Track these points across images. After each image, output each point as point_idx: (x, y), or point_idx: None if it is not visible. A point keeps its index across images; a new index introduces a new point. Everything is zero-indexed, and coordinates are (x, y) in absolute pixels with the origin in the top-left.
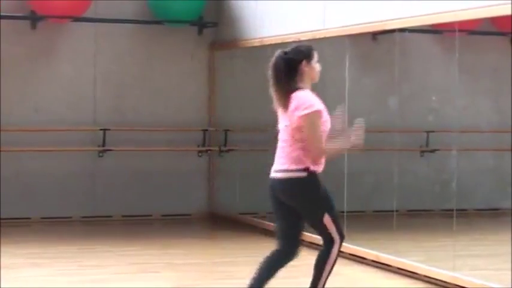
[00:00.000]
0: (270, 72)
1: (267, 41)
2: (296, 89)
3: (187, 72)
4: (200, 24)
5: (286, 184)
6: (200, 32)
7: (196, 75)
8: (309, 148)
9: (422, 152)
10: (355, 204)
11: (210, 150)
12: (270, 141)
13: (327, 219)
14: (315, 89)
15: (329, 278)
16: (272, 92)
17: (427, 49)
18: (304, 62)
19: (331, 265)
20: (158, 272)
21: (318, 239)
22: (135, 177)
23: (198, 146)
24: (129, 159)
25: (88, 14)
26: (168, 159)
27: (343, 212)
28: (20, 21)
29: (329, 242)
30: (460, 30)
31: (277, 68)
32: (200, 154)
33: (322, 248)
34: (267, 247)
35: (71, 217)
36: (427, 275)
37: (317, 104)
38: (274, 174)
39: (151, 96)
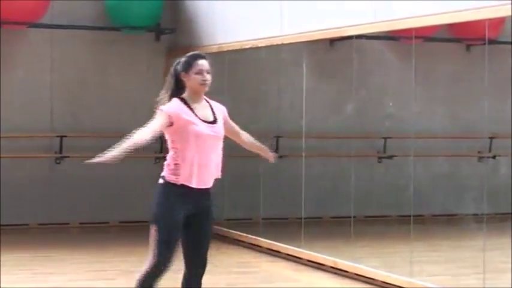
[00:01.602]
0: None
1: (225, 47)
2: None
3: (144, 78)
4: (157, 30)
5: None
6: (157, 38)
7: (153, 81)
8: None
9: (380, 158)
10: (312, 209)
11: (165, 157)
12: (227, 146)
13: (153, 232)
14: (270, 96)
15: None
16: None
17: (384, 55)
18: (182, 73)
19: (139, 283)
20: (114, 279)
21: (241, 235)
22: (93, 184)
23: (155, 153)
24: (86, 166)
25: (45, 19)
26: (124, 166)
27: (300, 218)
28: None
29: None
30: (417, 37)
31: (167, 78)
32: (157, 161)
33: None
34: (224, 254)
35: (27, 224)
36: (384, 280)
37: (167, 107)
38: None
39: (108, 103)
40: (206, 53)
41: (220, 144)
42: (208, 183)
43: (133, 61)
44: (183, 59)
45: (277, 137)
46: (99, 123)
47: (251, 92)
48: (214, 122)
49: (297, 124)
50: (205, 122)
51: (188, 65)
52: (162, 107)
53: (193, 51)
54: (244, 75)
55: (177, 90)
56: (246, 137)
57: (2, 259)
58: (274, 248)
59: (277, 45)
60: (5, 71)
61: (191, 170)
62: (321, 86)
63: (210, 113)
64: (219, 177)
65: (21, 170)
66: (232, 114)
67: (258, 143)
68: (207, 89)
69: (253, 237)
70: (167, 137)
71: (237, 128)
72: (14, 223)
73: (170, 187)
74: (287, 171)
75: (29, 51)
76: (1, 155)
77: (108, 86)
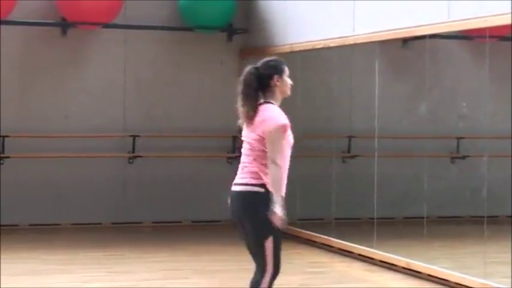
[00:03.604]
0: (239, 88)
1: (297, 47)
2: (265, 103)
3: (217, 78)
4: (230, 30)
5: (243, 197)
6: (230, 38)
7: (226, 81)
8: (267, 160)
9: (453, 158)
10: (385, 210)
11: (239, 157)
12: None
13: (269, 244)
14: (343, 96)
15: None
16: (239, 106)
17: (458, 55)
18: (276, 77)
19: None
20: (187, 278)
21: (313, 235)
22: (165, 184)
23: (228, 153)
24: (159, 166)
25: (118, 20)
26: (197, 166)
27: (372, 218)
28: (51, 28)
29: (261, 270)
30: (491, 36)
31: (247, 84)
32: (229, 161)
33: (255, 274)
34: (295, 253)
35: (100, 223)
36: (458, 282)
37: (283, 118)
38: (233, 187)
39: (180, 102)
40: (279, 53)
41: None
42: None
43: (206, 61)
44: (271, 63)
45: (350, 137)
46: (171, 123)
47: (323, 92)
48: None
49: (369, 124)
50: None
51: (282, 69)
52: (281, 121)
53: (265, 51)
54: (316, 76)
55: (259, 93)
56: None
57: (78, 257)
58: (346, 249)
59: (350, 45)
60: (79, 71)
61: (284, 177)
62: (393, 85)
63: None
64: None
65: (94, 169)
66: (304, 114)
67: None
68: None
69: (326, 237)
70: (259, 141)
71: None
72: (88, 222)
73: (271, 195)
74: (359, 171)
75: (103, 51)
76: (75, 155)
77: (180, 85)
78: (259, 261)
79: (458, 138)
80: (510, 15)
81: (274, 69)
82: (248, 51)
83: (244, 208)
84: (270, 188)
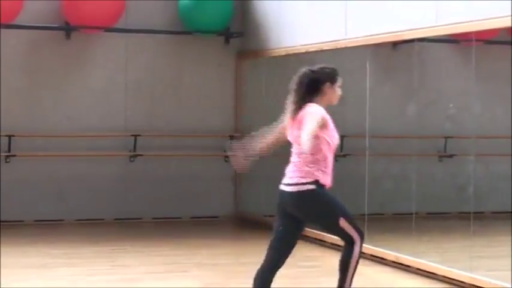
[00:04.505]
0: (292, 85)
1: (291, 51)
2: (311, 103)
3: (215, 80)
4: (227, 34)
5: (297, 198)
6: (227, 41)
7: (223, 83)
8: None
9: (440, 157)
10: (376, 207)
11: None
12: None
13: (343, 222)
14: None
15: (354, 276)
16: (288, 102)
17: (445, 58)
18: (328, 84)
19: (355, 264)
20: (187, 272)
21: (307, 231)
22: (165, 181)
23: (225, 152)
24: (159, 164)
25: (119, 24)
26: (196, 164)
27: (363, 214)
28: (55, 32)
29: (350, 242)
30: (477, 40)
31: (301, 83)
32: (227, 159)
33: (344, 248)
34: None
35: (103, 219)
36: (445, 275)
37: (325, 114)
38: (284, 187)
39: (179, 104)
40: (273, 57)
41: None
42: None
43: (204, 63)
44: (327, 70)
45: (342, 137)
46: (171, 123)
47: None
48: None
49: (360, 124)
50: None
51: (335, 78)
52: (322, 114)
53: (261, 54)
54: None
55: (308, 95)
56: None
57: (82, 251)
58: (338, 243)
59: (341, 48)
60: (82, 73)
61: (330, 171)
62: (384, 87)
63: None
64: None
65: (97, 167)
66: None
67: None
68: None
69: (318, 232)
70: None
71: None
72: (91, 218)
73: (323, 186)
74: (351, 169)
75: (105, 54)
76: (79, 154)
77: (179, 87)
78: (345, 239)
79: (446, 138)
80: (495, 20)
81: (329, 76)
82: (244, 54)
83: (300, 209)
84: (322, 181)
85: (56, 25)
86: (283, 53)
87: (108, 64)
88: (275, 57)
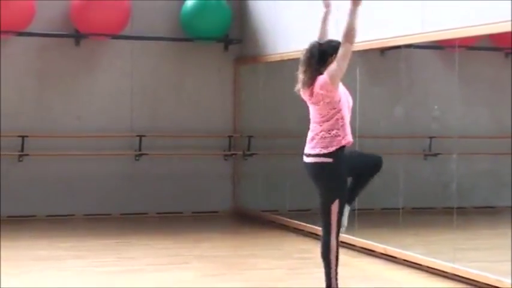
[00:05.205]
0: (302, 57)
1: (286, 56)
2: (322, 74)
3: (215, 84)
4: (226, 41)
5: (315, 168)
6: (226, 48)
7: (223, 87)
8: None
9: (426, 155)
10: (365, 202)
11: (234, 154)
12: (290, 146)
13: (335, 207)
14: None
15: (338, 267)
16: (300, 73)
17: (430, 63)
18: (334, 56)
19: (335, 260)
20: (188, 263)
21: (301, 225)
22: (168, 179)
23: (224, 151)
24: (162, 162)
25: (125, 32)
26: (197, 162)
27: (354, 209)
28: (65, 39)
29: (326, 231)
30: (460, 46)
31: (311, 54)
32: (226, 158)
33: (322, 243)
34: (286, 241)
35: (110, 214)
36: (430, 266)
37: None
38: (305, 158)
39: (182, 106)
40: (270, 62)
41: None
42: None
43: (205, 68)
44: (333, 43)
45: None
46: (173, 124)
47: None
48: None
49: (351, 125)
50: None
51: (337, 49)
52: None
53: (258, 59)
54: None
55: (318, 67)
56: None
57: (90, 244)
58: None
59: None
60: (90, 78)
61: (349, 128)
62: (372, 91)
63: None
64: None
65: (105, 166)
66: (293, 117)
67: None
68: None
69: (312, 226)
70: (330, 102)
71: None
72: (98, 213)
73: (340, 154)
74: None
75: (112, 60)
76: (87, 153)
77: (182, 90)
78: (324, 223)
79: (431, 138)
80: (477, 27)
81: (335, 49)
82: (242, 60)
83: (315, 178)
84: (344, 142)
85: (66, 32)
86: (279, 59)
87: (114, 69)
88: (271, 62)
